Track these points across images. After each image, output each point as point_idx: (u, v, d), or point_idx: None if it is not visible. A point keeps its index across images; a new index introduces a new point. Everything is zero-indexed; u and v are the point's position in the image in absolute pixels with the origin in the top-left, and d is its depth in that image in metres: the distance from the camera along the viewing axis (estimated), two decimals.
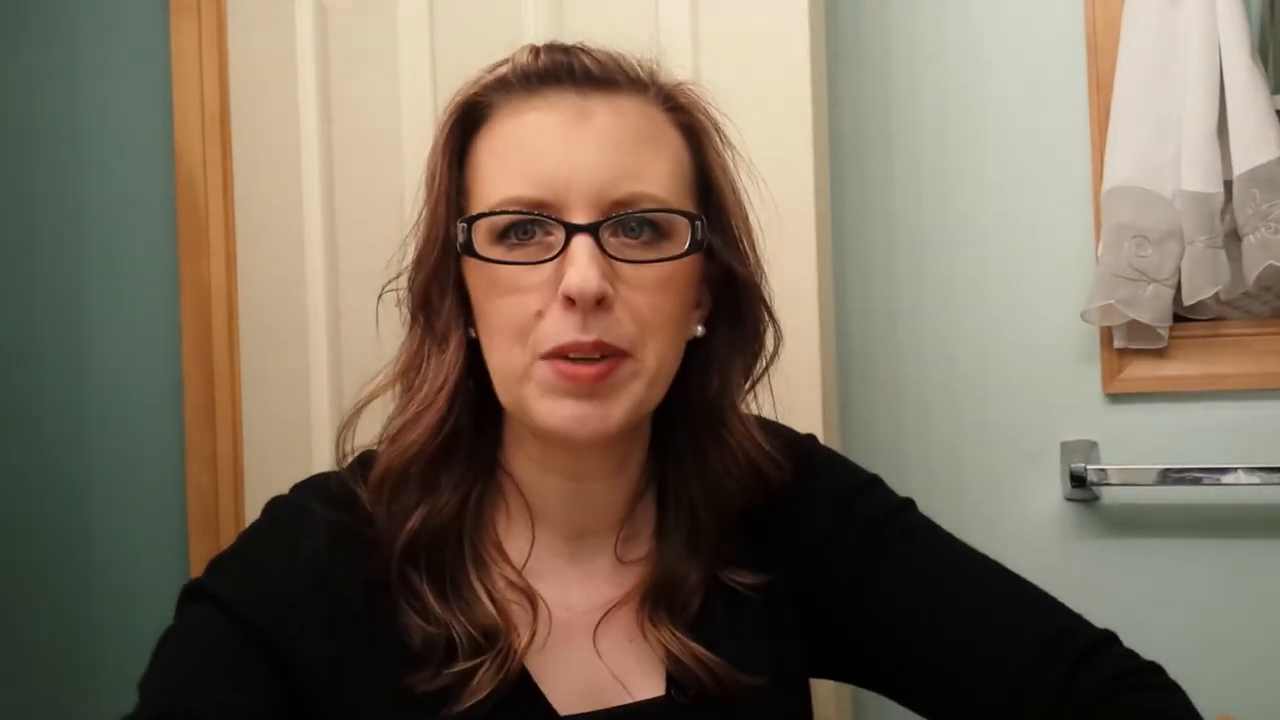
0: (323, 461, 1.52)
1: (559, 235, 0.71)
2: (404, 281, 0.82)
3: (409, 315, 0.81)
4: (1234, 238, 1.32)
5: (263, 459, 1.57)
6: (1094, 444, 1.41)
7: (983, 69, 1.46)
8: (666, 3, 1.33)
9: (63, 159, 1.76)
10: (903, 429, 1.48)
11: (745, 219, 0.80)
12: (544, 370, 0.72)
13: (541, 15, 1.39)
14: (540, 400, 0.72)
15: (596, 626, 0.78)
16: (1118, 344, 1.40)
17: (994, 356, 1.45)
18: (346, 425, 0.82)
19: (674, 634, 0.78)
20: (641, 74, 0.77)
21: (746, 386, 0.83)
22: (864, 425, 1.49)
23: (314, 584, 0.74)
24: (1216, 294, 1.33)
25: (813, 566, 0.84)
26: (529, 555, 0.79)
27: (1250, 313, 1.38)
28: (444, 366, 0.76)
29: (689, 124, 0.78)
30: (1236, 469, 1.33)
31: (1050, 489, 1.43)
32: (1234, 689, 1.32)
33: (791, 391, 1.28)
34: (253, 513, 1.57)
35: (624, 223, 0.72)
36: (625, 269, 0.71)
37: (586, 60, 0.75)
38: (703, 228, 0.74)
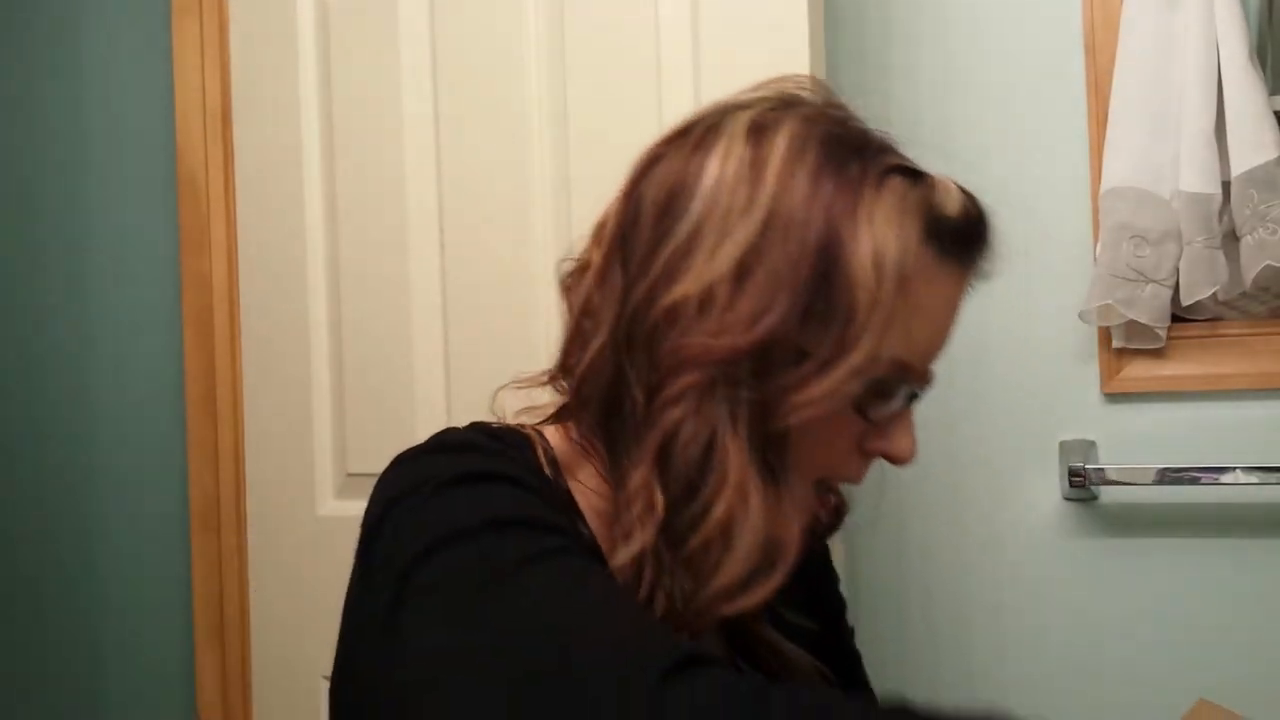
0: (325, 458, 1.52)
1: (904, 399, 0.71)
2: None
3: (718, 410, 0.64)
4: (1232, 238, 1.33)
5: (265, 455, 1.58)
6: (1092, 443, 1.41)
7: (981, 69, 1.47)
8: (667, 2, 1.34)
9: (66, 156, 1.77)
10: None
11: None
12: (809, 496, 0.71)
13: (542, 15, 1.39)
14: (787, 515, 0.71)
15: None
16: (1116, 344, 1.40)
17: (993, 356, 1.46)
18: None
19: (761, 628, 0.77)
20: None
21: None
22: None
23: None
24: (1214, 294, 1.33)
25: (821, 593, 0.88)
26: None
27: (1248, 313, 1.38)
28: (751, 475, 0.64)
29: None
30: (1234, 468, 1.34)
31: (1049, 488, 1.43)
32: (1232, 687, 1.33)
33: None
34: (255, 509, 1.60)
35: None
36: None
37: (993, 238, 0.73)
38: None
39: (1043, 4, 1.45)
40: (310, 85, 1.53)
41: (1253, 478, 1.33)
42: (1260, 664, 1.36)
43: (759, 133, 0.66)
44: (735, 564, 0.63)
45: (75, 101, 1.77)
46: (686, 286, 0.63)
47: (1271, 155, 1.29)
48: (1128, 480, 1.38)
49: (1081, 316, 1.38)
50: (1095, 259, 1.38)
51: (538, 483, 0.65)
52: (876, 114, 1.57)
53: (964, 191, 0.70)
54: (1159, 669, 1.39)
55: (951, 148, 1.48)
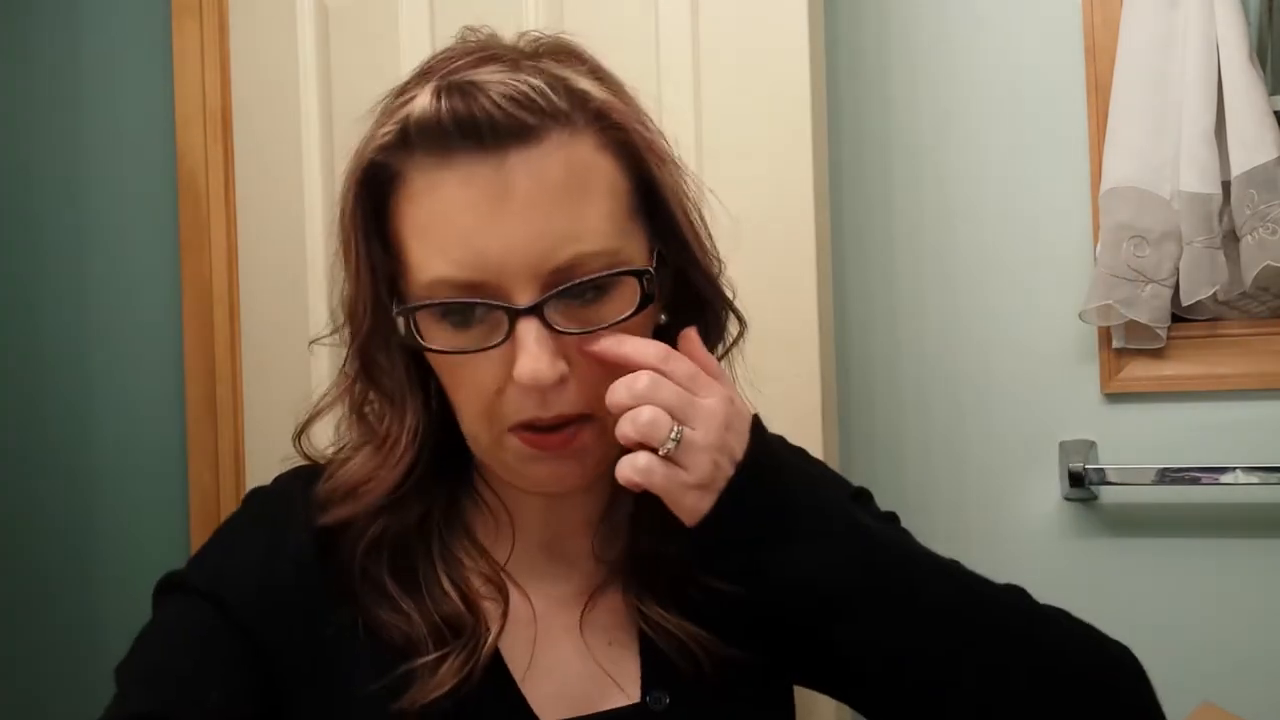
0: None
1: (502, 317, 0.68)
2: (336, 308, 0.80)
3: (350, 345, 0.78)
4: (1232, 238, 1.33)
5: (264, 456, 1.58)
6: (1092, 444, 1.41)
7: (981, 69, 1.47)
8: (667, 2, 1.34)
9: (66, 157, 1.77)
10: (902, 430, 1.48)
11: (691, 222, 0.76)
12: (513, 441, 0.71)
13: (542, 15, 1.39)
14: (516, 464, 0.72)
15: (580, 622, 0.79)
16: (1116, 344, 1.40)
17: (993, 357, 1.46)
18: (300, 434, 0.83)
19: (655, 610, 0.78)
20: (560, 104, 0.68)
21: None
22: (863, 426, 1.49)
23: (296, 575, 0.74)
24: (1214, 294, 1.33)
25: None
26: (510, 557, 0.79)
27: (1248, 313, 1.38)
28: (405, 429, 0.74)
29: (625, 141, 0.72)
30: (1234, 468, 1.34)
31: (1048, 488, 1.43)
32: (1232, 687, 1.33)
33: (791, 393, 1.29)
34: None
35: (567, 292, 0.68)
36: (600, 352, 0.69)
37: (491, 108, 0.66)
38: (650, 281, 0.71)
39: (1043, 4, 1.45)
40: (311, 86, 1.53)
41: (1253, 478, 1.33)
42: (1261, 664, 1.36)
43: None
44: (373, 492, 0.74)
45: (75, 101, 1.77)
46: None
47: (1271, 155, 1.28)
48: (1127, 480, 1.38)
49: (1081, 317, 1.38)
50: (1095, 259, 1.38)
51: (255, 556, 0.75)
52: (875, 115, 1.57)
53: (436, 90, 0.69)
54: (1159, 670, 1.38)
55: (951, 148, 1.48)
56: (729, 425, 0.69)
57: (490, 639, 0.73)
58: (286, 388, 1.54)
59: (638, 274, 0.70)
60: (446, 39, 1.43)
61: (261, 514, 0.79)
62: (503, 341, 0.68)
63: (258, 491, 0.82)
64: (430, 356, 0.72)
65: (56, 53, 1.77)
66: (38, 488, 1.76)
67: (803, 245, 1.30)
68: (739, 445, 0.69)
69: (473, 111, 0.67)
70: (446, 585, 0.75)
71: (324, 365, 1.52)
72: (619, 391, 0.67)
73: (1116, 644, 0.77)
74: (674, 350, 0.70)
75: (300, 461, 0.83)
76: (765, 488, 0.69)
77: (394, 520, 0.75)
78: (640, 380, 0.67)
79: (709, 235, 0.78)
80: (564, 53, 0.74)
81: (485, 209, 0.67)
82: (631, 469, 0.67)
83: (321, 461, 0.82)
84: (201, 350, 1.64)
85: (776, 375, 1.29)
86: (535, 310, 0.67)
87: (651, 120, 0.75)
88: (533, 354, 0.67)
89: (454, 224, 0.68)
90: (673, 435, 0.66)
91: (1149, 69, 1.35)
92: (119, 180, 1.75)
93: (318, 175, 1.52)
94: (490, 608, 0.75)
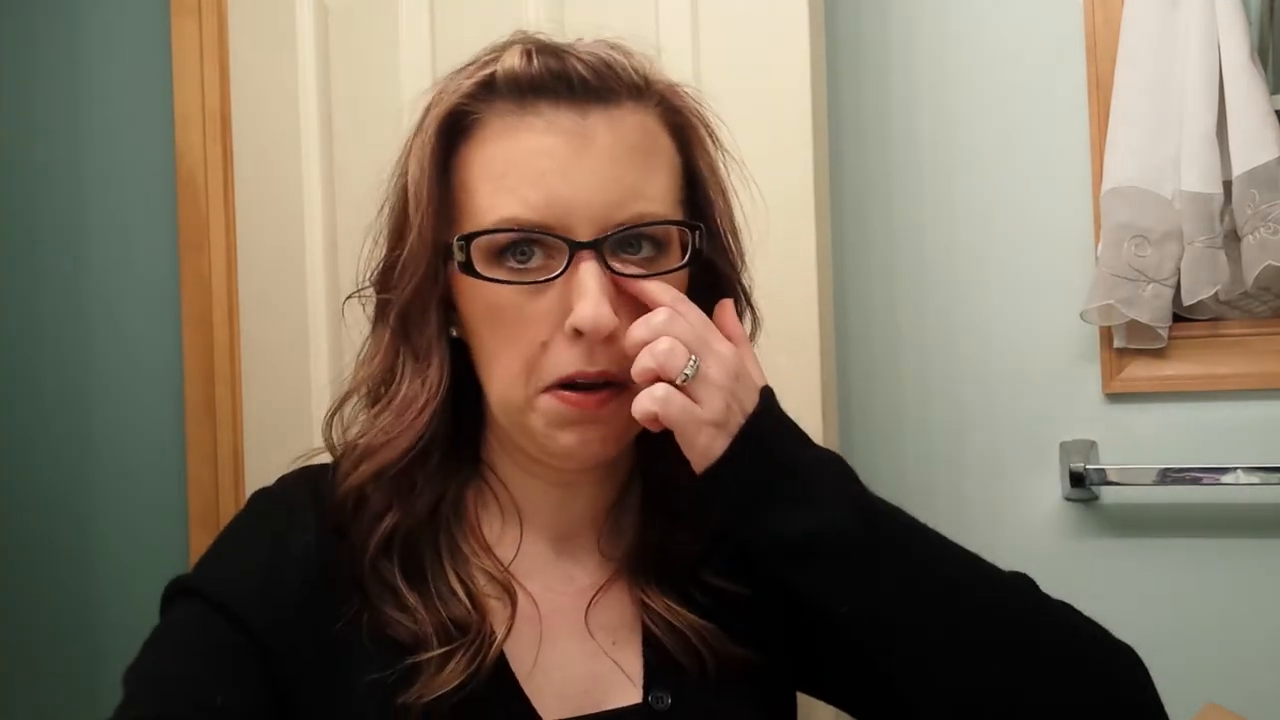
0: (324, 459, 1.52)
1: (561, 257, 0.70)
2: (365, 278, 0.82)
3: (378, 320, 0.80)
4: (1233, 238, 1.33)
5: (263, 455, 1.58)
6: (1093, 444, 1.41)
7: (983, 69, 1.47)
8: (667, 2, 1.33)
9: (65, 157, 1.77)
10: (902, 430, 1.48)
11: (730, 215, 0.80)
12: (548, 402, 0.72)
13: (542, 15, 1.39)
14: (544, 429, 0.73)
15: (584, 620, 0.79)
16: (1117, 344, 1.40)
17: (993, 356, 1.46)
18: (332, 416, 0.82)
19: (661, 601, 0.78)
20: (637, 78, 0.75)
21: None
22: (863, 426, 1.49)
23: (301, 578, 0.74)
24: (1216, 294, 1.33)
25: None
26: (516, 554, 0.79)
27: (1249, 313, 1.38)
28: (425, 386, 0.76)
29: (681, 125, 0.77)
30: (1235, 469, 1.33)
31: (1049, 488, 1.43)
32: (1232, 687, 1.32)
33: (791, 393, 1.29)
34: None
35: (625, 240, 0.72)
36: (625, 285, 0.72)
37: (582, 69, 0.73)
38: (700, 237, 0.75)
39: (1044, 4, 1.45)
40: (310, 86, 1.52)
41: (1253, 478, 1.33)
42: (1263, 664, 1.36)
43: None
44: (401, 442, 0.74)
45: (75, 101, 1.76)
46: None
47: (1273, 155, 1.28)
48: (1128, 480, 1.38)
49: (1083, 316, 1.38)
50: (1096, 259, 1.37)
51: (263, 557, 0.75)
52: (876, 116, 1.57)
53: (525, 50, 0.75)
54: (1160, 669, 1.38)
55: (952, 148, 1.48)
56: (740, 376, 0.72)
57: (497, 642, 0.74)
58: (286, 388, 1.54)
59: (690, 226, 0.74)
60: (446, 39, 1.44)
61: (266, 515, 0.79)
62: (561, 274, 0.70)
63: (263, 492, 0.82)
64: (473, 314, 0.74)
65: (56, 53, 1.77)
66: (37, 487, 1.76)
67: (803, 245, 1.29)
68: (749, 399, 0.72)
69: (565, 68, 0.72)
70: (454, 584, 0.75)
71: (323, 366, 1.53)
72: (638, 328, 0.70)
73: (1120, 641, 0.77)
74: (688, 299, 0.73)
75: (323, 453, 0.83)
76: (776, 441, 0.71)
77: (404, 514, 0.75)
78: (658, 314, 0.70)
79: (736, 240, 0.81)
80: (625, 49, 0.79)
81: (565, 154, 0.70)
82: (649, 398, 0.69)
83: (338, 454, 0.81)
84: (201, 350, 1.64)
85: (776, 375, 1.29)
86: (596, 246, 0.70)
87: (707, 111, 0.79)
88: (594, 298, 0.69)
89: (531, 166, 0.71)
90: (688, 365, 0.69)
91: (1150, 69, 1.35)
92: (118, 180, 1.75)
93: (317, 175, 1.52)
94: (497, 607, 0.75)
